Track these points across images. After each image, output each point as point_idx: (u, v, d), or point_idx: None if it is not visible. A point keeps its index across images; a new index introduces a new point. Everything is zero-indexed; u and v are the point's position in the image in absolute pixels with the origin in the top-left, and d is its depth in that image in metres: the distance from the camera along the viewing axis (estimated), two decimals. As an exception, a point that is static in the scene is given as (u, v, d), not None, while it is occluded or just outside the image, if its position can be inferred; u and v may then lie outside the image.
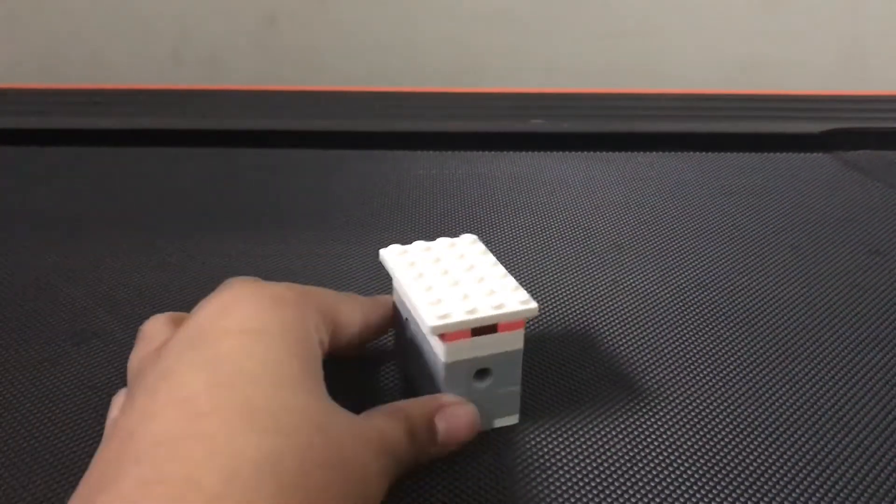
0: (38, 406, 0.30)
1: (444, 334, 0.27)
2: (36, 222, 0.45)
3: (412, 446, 0.26)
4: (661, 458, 0.28)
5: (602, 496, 0.26)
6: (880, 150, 0.54)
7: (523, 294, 0.28)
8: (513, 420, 0.29)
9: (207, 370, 0.23)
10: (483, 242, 0.31)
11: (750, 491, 0.27)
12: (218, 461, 0.20)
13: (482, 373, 0.28)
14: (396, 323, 0.31)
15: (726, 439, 0.29)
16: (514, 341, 0.28)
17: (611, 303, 0.37)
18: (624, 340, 0.34)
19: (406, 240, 0.31)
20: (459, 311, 0.27)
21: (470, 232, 0.44)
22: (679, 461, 0.28)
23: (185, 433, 0.21)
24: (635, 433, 0.29)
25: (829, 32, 0.92)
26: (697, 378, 0.32)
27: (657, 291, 0.38)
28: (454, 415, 0.27)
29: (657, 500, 0.26)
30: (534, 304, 0.27)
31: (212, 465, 0.20)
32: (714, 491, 0.27)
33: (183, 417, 0.21)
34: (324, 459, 0.22)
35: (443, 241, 0.31)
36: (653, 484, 0.27)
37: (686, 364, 0.33)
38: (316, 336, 0.26)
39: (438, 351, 0.27)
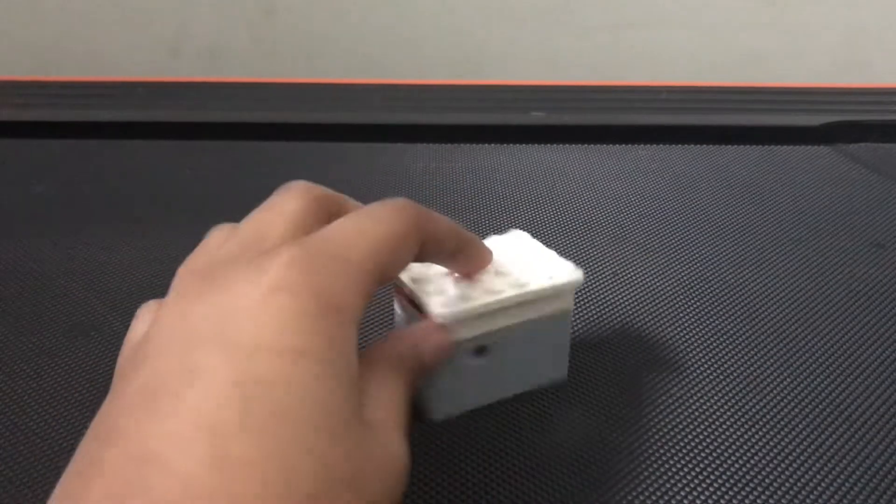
0: (35, 398, 0.30)
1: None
2: (34, 215, 0.45)
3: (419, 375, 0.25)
4: (661, 451, 0.28)
5: (600, 488, 0.26)
6: (881, 143, 0.54)
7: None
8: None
9: (240, 396, 0.19)
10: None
11: (751, 485, 0.27)
12: None
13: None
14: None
15: (727, 432, 0.29)
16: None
17: (611, 296, 0.37)
18: (624, 334, 0.34)
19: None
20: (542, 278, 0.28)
21: (469, 226, 0.44)
22: (680, 454, 0.28)
23: (217, 490, 0.18)
24: (635, 427, 0.29)
25: (830, 25, 0.92)
26: (698, 371, 0.32)
27: (658, 284, 0.38)
28: (432, 342, 0.26)
29: (657, 493, 0.26)
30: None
31: None
32: (715, 484, 0.27)
33: (212, 462, 0.18)
34: None
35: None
36: (653, 478, 0.27)
37: (686, 357, 0.33)
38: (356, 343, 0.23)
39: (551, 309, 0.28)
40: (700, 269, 0.39)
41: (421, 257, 0.25)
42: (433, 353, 0.25)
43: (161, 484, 0.17)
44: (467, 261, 0.27)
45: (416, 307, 0.28)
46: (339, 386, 0.20)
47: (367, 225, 0.23)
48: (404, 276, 0.28)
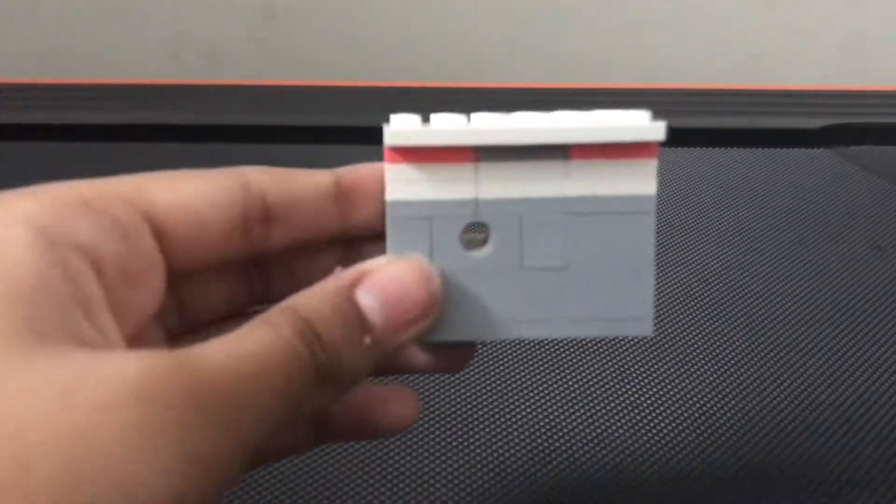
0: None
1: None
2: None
3: (313, 361, 0.15)
4: (661, 451, 0.28)
5: (600, 490, 0.26)
6: (881, 146, 0.54)
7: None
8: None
9: None
10: None
11: (751, 486, 0.27)
12: None
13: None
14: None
15: (727, 433, 0.29)
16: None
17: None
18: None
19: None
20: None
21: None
22: (680, 455, 0.28)
23: None
24: (635, 427, 0.29)
25: (829, 27, 0.92)
26: (698, 372, 0.32)
27: (657, 286, 0.38)
28: (388, 279, 0.16)
29: (657, 493, 0.26)
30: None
31: None
32: (715, 485, 0.27)
33: None
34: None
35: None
36: (654, 478, 0.27)
37: (686, 358, 0.33)
38: (72, 244, 0.15)
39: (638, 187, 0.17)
40: (700, 270, 0.39)
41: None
42: (393, 311, 0.16)
43: None
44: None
45: None
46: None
47: None
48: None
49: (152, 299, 0.16)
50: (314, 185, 0.18)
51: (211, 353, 0.14)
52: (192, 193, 0.17)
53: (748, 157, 0.53)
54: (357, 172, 0.19)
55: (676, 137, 0.58)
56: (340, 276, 0.16)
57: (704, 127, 0.56)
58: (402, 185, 0.18)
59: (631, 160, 0.18)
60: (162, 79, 0.71)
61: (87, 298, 0.14)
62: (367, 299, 0.16)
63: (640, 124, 0.18)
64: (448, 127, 0.18)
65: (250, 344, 0.14)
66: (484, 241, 0.18)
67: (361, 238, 0.19)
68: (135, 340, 0.15)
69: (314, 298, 0.15)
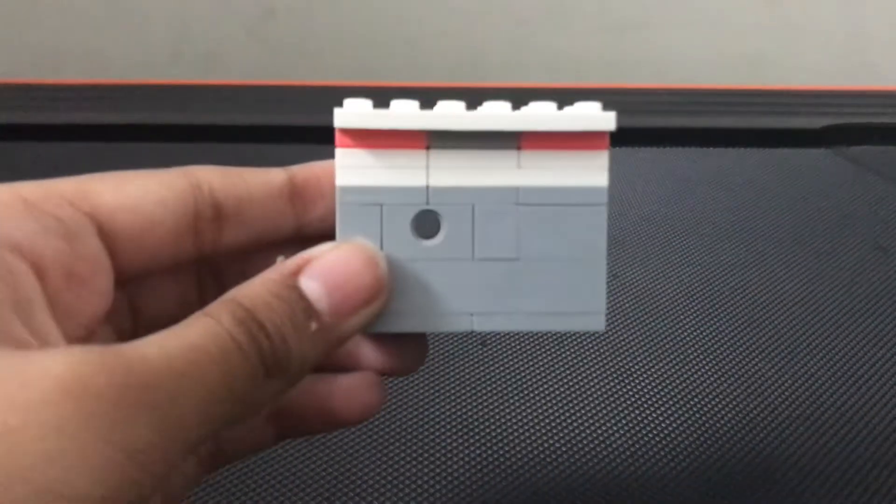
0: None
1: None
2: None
3: (257, 349, 0.14)
4: (662, 452, 0.28)
5: (600, 490, 0.26)
6: (882, 146, 0.54)
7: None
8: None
9: None
10: None
11: (750, 486, 0.27)
12: None
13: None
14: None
15: (728, 434, 0.29)
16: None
17: (612, 297, 0.37)
18: (625, 335, 0.34)
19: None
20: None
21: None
22: (680, 456, 0.28)
23: None
24: (636, 428, 0.29)
25: (830, 27, 0.92)
26: (699, 373, 0.32)
27: (658, 286, 0.38)
28: (332, 264, 0.16)
29: (658, 495, 0.26)
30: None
31: None
32: (715, 487, 0.27)
33: None
34: None
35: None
36: (654, 478, 0.27)
37: (687, 358, 0.33)
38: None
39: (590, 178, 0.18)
40: (701, 271, 0.39)
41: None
42: (339, 295, 0.16)
43: None
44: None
45: None
46: None
47: None
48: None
49: (99, 301, 0.16)
50: (265, 182, 0.18)
51: (145, 346, 0.13)
52: (139, 193, 0.17)
53: (748, 157, 0.53)
54: (310, 169, 0.19)
55: (676, 137, 0.58)
56: (283, 265, 0.16)
57: (704, 127, 0.56)
58: (352, 170, 0.18)
59: (582, 151, 0.18)
60: (162, 79, 0.71)
61: (23, 300, 0.14)
62: (310, 285, 0.16)
63: (590, 113, 0.18)
64: (398, 111, 0.18)
65: (187, 336, 0.14)
66: (435, 224, 0.18)
67: (318, 238, 0.18)
68: (83, 344, 0.14)
69: (256, 288, 0.15)
